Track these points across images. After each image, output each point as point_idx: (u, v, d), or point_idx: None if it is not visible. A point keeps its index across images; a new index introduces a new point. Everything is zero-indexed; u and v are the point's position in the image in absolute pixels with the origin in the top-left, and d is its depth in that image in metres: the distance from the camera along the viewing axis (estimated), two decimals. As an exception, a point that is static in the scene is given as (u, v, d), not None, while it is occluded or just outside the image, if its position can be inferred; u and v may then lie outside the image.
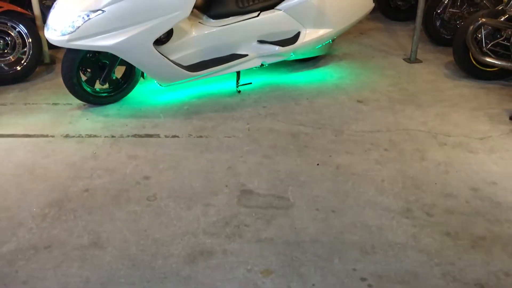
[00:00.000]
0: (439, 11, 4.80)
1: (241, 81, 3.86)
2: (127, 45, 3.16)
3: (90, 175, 2.71)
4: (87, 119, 3.39)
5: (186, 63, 3.59)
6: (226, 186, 2.61)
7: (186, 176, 2.71)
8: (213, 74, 3.69)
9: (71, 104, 3.62)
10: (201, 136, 3.15)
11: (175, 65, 3.42)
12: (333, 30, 4.03)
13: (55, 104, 3.62)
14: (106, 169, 2.76)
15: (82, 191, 2.57)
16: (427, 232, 2.29)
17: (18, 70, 3.96)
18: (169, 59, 3.41)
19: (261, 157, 2.89)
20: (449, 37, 4.90)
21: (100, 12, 3.03)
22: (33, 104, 3.63)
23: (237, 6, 3.65)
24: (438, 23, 4.91)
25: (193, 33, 3.54)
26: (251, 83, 3.90)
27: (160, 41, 3.33)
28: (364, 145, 3.03)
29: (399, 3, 5.82)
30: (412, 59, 4.55)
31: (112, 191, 2.58)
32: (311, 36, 3.94)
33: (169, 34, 3.37)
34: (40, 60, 4.14)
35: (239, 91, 3.85)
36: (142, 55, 3.27)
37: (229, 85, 3.91)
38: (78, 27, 3.03)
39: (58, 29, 3.10)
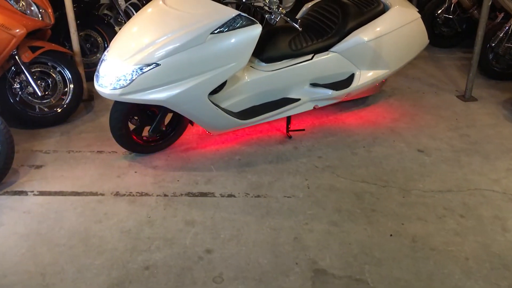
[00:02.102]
0: (493, 44, 4.55)
1: (292, 126, 3.66)
2: (181, 99, 2.97)
3: (149, 247, 2.53)
4: (135, 172, 3.21)
5: (236, 109, 3.41)
6: (296, 263, 2.42)
7: (251, 249, 2.52)
8: (264, 121, 3.49)
9: (116, 152, 3.45)
10: (259, 196, 2.95)
11: (228, 115, 3.24)
12: (389, 70, 3.82)
13: (100, 152, 3.45)
14: (164, 239, 2.58)
15: (142, 269, 2.39)
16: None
17: (59, 112, 3.80)
18: (220, 107, 3.22)
19: (327, 224, 2.69)
20: (501, 70, 4.67)
21: (154, 65, 2.85)
22: (76, 152, 3.46)
23: (291, 49, 3.46)
24: (490, 56, 4.67)
25: (245, 78, 3.36)
26: (304, 129, 3.71)
27: (213, 91, 3.14)
28: (437, 209, 2.82)
29: (443, 29, 5.58)
30: (467, 97, 4.33)
31: (174, 268, 2.40)
32: (366, 78, 3.73)
33: (222, 83, 3.18)
34: (81, 98, 3.97)
35: (290, 137, 3.65)
36: (196, 108, 3.08)
37: (279, 128, 3.72)
38: (132, 80, 2.85)
39: (109, 82, 2.93)
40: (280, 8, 3.13)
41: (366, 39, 3.59)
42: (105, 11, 5.44)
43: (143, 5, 5.97)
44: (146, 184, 3.08)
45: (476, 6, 5.21)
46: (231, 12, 2.92)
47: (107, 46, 4.70)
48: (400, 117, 3.98)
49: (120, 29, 5.69)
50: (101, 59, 3.10)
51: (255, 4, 3.16)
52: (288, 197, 2.95)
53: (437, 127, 3.81)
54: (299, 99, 3.57)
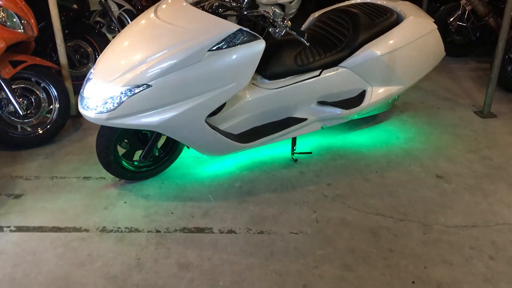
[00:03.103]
0: (512, 55, 4.23)
1: (298, 148, 3.35)
2: (176, 123, 2.65)
3: (137, 298, 2.20)
4: (125, 202, 2.89)
5: (237, 131, 3.09)
6: (307, 319, 2.09)
7: (254, 300, 2.19)
8: (267, 143, 3.17)
9: (104, 178, 3.13)
10: (262, 232, 2.63)
11: (227, 139, 2.92)
12: (403, 86, 3.50)
13: (87, 178, 3.13)
14: (155, 287, 2.25)
15: (129, 327, 2.06)
16: None
17: (44, 132, 3.47)
18: (219, 129, 2.90)
19: (340, 268, 2.37)
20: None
21: (145, 86, 2.52)
22: (61, 178, 3.14)
23: (296, 64, 3.13)
24: (509, 68, 4.35)
25: (247, 97, 3.04)
26: (311, 153, 3.38)
27: (211, 113, 2.82)
28: (463, 249, 2.50)
29: (456, 37, 5.26)
30: (485, 113, 4.02)
31: (165, 325, 2.07)
32: (378, 95, 3.41)
33: (221, 105, 2.85)
34: (68, 117, 3.64)
35: (296, 160, 3.33)
36: (192, 132, 2.77)
37: (283, 150, 3.41)
38: (120, 104, 2.53)
39: (95, 104, 2.61)
40: (286, 21, 2.81)
41: (379, 53, 3.27)
42: (97, 18, 5.12)
43: (138, 11, 5.65)
44: (136, 217, 2.76)
45: (492, 13, 4.89)
46: (231, 27, 2.60)
47: (98, 57, 4.38)
48: (414, 136, 3.66)
49: (113, 37, 5.39)
50: (86, 78, 2.78)
51: (257, 16, 2.84)
52: (295, 233, 2.63)
53: (456, 148, 3.49)
54: (305, 119, 3.25)
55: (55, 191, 3.01)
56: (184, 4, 2.81)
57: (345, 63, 3.27)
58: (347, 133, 3.70)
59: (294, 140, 3.38)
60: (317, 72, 3.22)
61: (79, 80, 4.30)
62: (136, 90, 2.54)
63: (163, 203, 2.89)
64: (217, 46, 2.60)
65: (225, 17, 2.82)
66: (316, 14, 3.73)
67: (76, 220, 2.73)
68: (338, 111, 3.29)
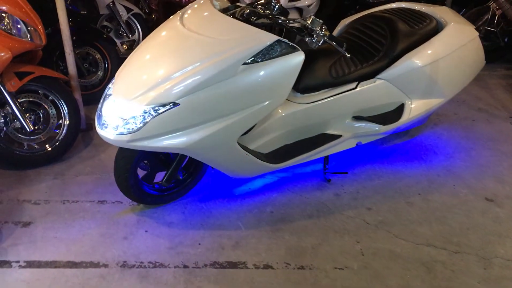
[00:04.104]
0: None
1: (330, 166, 3.08)
2: (205, 145, 2.37)
3: None
4: (146, 231, 2.60)
5: (267, 149, 2.80)
6: None
7: None
8: (299, 162, 2.88)
9: (121, 202, 2.83)
10: (302, 267, 2.35)
11: (258, 160, 2.63)
12: (444, 99, 3.23)
13: (101, 202, 2.83)
14: (188, 338, 1.96)
15: None
16: None
17: (51, 150, 3.18)
18: (249, 149, 2.61)
19: (396, 312, 2.08)
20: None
21: (172, 105, 2.23)
22: (73, 202, 2.84)
23: (331, 76, 2.85)
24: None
25: (278, 113, 2.74)
26: (347, 173, 3.10)
27: (241, 132, 2.54)
28: (531, 288, 2.21)
29: (484, 43, 4.94)
30: (525, 126, 3.72)
31: None
32: (418, 109, 3.13)
33: (253, 123, 2.57)
34: (78, 132, 3.35)
35: (329, 180, 3.04)
36: (222, 154, 2.48)
37: (314, 169, 3.14)
38: (144, 124, 2.24)
39: (115, 124, 2.31)
40: (324, 30, 2.52)
41: (421, 63, 2.99)
42: (104, 23, 4.82)
43: (147, 15, 5.35)
44: (160, 249, 2.46)
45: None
46: (270, 38, 2.31)
47: (108, 64, 4.09)
48: (453, 152, 3.38)
49: (121, 43, 5.09)
50: (104, 94, 2.49)
51: (292, 25, 2.55)
52: (339, 268, 2.34)
53: (501, 166, 3.21)
54: (340, 136, 2.97)
55: (67, 217, 2.71)
56: (213, 11, 2.52)
57: (383, 74, 2.99)
58: (380, 149, 3.41)
59: (326, 158, 3.10)
60: (353, 85, 2.94)
61: (87, 90, 4.02)
62: (162, 110, 2.25)
63: (189, 231, 2.60)
64: (252, 59, 2.31)
65: (258, 26, 2.52)
66: (347, 20, 3.44)
67: (93, 253, 2.44)
68: (376, 127, 3.01)
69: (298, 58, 2.41)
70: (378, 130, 3.01)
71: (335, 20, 3.64)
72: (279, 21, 2.56)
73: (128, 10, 4.90)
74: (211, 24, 2.46)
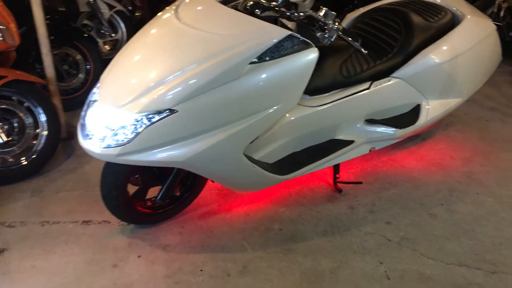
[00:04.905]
0: None
1: (340, 175, 2.78)
2: (208, 157, 2.04)
3: None
4: (139, 256, 2.26)
5: (273, 159, 2.49)
6: None
7: None
8: (307, 172, 2.57)
9: (109, 222, 2.50)
10: (322, 296, 2.03)
11: (265, 172, 2.31)
12: (462, 99, 2.96)
13: (86, 223, 2.49)
14: None
15: None
16: None
17: (28, 163, 2.82)
18: (254, 160, 2.30)
19: None
20: None
21: (168, 112, 1.90)
22: (53, 223, 2.49)
23: (342, 75, 2.55)
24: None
25: (286, 118, 2.42)
26: (361, 183, 2.80)
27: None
28: None
29: (488, 38, 4.70)
30: (543, 126, 3.48)
31: None
32: (436, 110, 2.86)
33: (259, 131, 2.25)
34: (58, 142, 2.99)
35: (340, 190, 2.74)
36: (226, 167, 2.16)
37: (323, 178, 2.83)
38: (136, 135, 1.91)
39: (102, 136, 1.97)
40: (337, 24, 2.22)
41: (439, 60, 2.71)
42: (85, 21, 4.45)
43: (130, 13, 5.00)
44: (156, 277, 2.13)
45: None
46: (280, 32, 2.00)
47: (90, 66, 3.73)
48: (471, 156, 3.11)
49: (104, 43, 4.71)
50: (88, 100, 2.15)
51: (303, 17, 2.24)
52: (364, 296, 2.03)
53: (524, 171, 2.95)
54: (352, 141, 2.67)
55: (47, 242, 2.36)
56: (213, 2, 2.20)
57: (398, 72, 2.70)
58: (392, 154, 3.13)
59: (337, 167, 2.80)
60: (367, 85, 2.64)
61: (68, 95, 3.66)
62: (157, 118, 1.92)
63: (188, 255, 2.27)
64: (259, 57, 1.99)
65: (263, 19, 2.20)
66: (355, 13, 3.14)
67: (79, 285, 2.10)
68: (391, 130, 2.71)
69: (311, 55, 2.11)
70: (394, 134, 2.72)
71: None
72: (287, 13, 2.24)
73: (111, 7, 4.54)
74: (212, 17, 2.13)
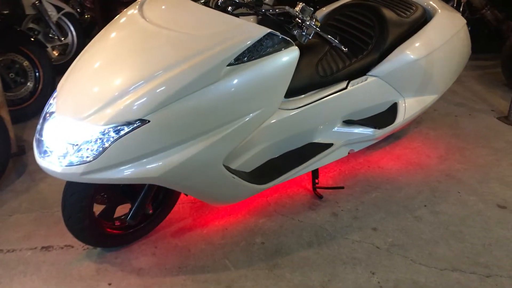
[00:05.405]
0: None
1: (323, 181, 2.65)
2: (185, 171, 1.84)
3: None
4: (109, 284, 2.03)
5: (250, 167, 2.32)
6: None
7: None
8: (287, 179, 2.41)
9: (72, 246, 2.25)
10: (316, 315, 1.86)
11: (245, 182, 2.14)
12: (437, 95, 2.91)
13: (46, 249, 2.23)
14: None
15: None
16: None
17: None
18: (231, 170, 2.11)
19: None
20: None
21: (139, 123, 1.69)
22: (8, 251, 2.21)
23: (318, 75, 2.41)
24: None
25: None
26: (343, 187, 2.67)
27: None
28: None
29: (448, 33, 4.71)
30: (511, 119, 3.48)
31: None
32: (413, 108, 2.78)
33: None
34: (8, 158, 2.69)
35: (321, 196, 2.60)
36: (204, 180, 1.96)
37: (301, 184, 2.69)
38: (103, 150, 1.68)
39: (61, 153, 1.73)
40: (314, 20, 2.07)
41: (415, 56, 2.63)
42: (30, 25, 4.12)
43: (79, 15, 4.68)
44: (131, 308, 1.90)
45: (489, 6, 4.42)
46: (259, 31, 1.82)
47: (39, 73, 3.43)
48: (447, 154, 3.05)
49: (52, 48, 4.38)
50: (44, 112, 1.89)
51: (279, 14, 2.08)
52: (360, 311, 1.89)
53: (501, 166, 2.91)
54: (331, 144, 2.53)
55: (2, 274, 2.10)
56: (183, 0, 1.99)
57: (374, 70, 2.59)
58: (367, 155, 3.02)
59: (316, 172, 2.65)
60: (344, 84, 2.52)
61: (15, 105, 3.34)
62: (126, 130, 1.70)
63: (165, 279, 2.06)
64: (237, 58, 1.80)
65: (236, 16, 2.03)
66: (325, 10, 3.01)
67: (42, 324, 1.83)
68: (370, 131, 2.60)
69: (292, 54, 1.95)
70: (372, 135, 2.61)
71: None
72: (263, 10, 2.07)
73: (58, 9, 4.23)
74: (182, 15, 1.93)
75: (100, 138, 1.70)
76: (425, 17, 2.86)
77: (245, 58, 1.84)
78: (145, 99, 1.71)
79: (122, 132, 1.70)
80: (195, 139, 1.82)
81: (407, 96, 2.77)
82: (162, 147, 1.77)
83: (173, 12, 1.97)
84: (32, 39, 3.53)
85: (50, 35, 4.22)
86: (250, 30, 1.83)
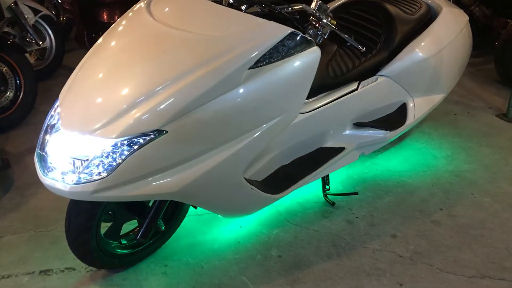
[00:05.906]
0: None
1: (332, 186, 2.53)
2: (205, 184, 1.69)
3: None
4: (119, 310, 1.84)
5: (262, 176, 2.17)
6: None
7: None
8: (299, 187, 2.28)
9: (73, 269, 2.06)
10: (348, 333, 1.74)
11: (261, 192, 1.99)
12: (445, 94, 2.85)
13: (45, 272, 2.03)
14: None
15: None
16: None
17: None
18: (248, 180, 1.97)
19: None
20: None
21: (156, 134, 1.52)
22: (3, 277, 2.01)
23: (329, 76, 2.30)
24: (516, 62, 3.85)
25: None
26: (357, 193, 2.55)
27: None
28: None
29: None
30: (510, 117, 3.46)
31: None
32: (422, 108, 2.71)
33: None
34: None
35: (333, 203, 2.48)
36: (223, 193, 1.81)
37: (310, 190, 2.57)
38: (116, 166, 1.51)
39: (69, 169, 1.54)
40: (330, 19, 1.95)
41: (425, 55, 2.55)
42: (6, 29, 3.86)
43: (57, 17, 4.44)
44: (147, 336, 1.73)
45: (478, 3, 4.41)
46: (281, 31, 1.69)
47: (20, 80, 3.20)
48: (453, 153, 2.99)
49: (30, 52, 4.12)
50: (45, 125, 1.71)
51: (294, 12, 1.95)
52: (394, 328, 1.77)
53: (509, 165, 2.88)
54: (343, 148, 2.42)
55: (-2, 305, 1.88)
56: (195, -3, 1.84)
57: (385, 70, 2.50)
58: (373, 157, 2.93)
59: (326, 178, 2.53)
60: (355, 85, 2.40)
61: (-5, 115, 3.10)
62: (142, 142, 1.54)
63: (180, 301, 1.89)
64: (259, 61, 1.66)
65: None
66: (329, 7, 2.88)
67: None
68: (381, 133, 2.50)
69: (314, 55, 1.83)
70: (384, 137, 2.52)
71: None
72: (278, 8, 1.93)
73: (35, 11, 3.97)
74: (196, 14, 1.78)
75: (112, 152, 1.53)
76: (430, 14, 2.77)
77: (267, 60, 1.70)
78: (161, 108, 1.55)
79: (137, 145, 1.54)
80: (215, 149, 1.67)
81: (416, 96, 2.68)
82: (181, 159, 1.62)
83: (185, 11, 1.81)
84: (9, 42, 3.29)
85: (27, 39, 3.97)
86: (272, 30, 1.70)
